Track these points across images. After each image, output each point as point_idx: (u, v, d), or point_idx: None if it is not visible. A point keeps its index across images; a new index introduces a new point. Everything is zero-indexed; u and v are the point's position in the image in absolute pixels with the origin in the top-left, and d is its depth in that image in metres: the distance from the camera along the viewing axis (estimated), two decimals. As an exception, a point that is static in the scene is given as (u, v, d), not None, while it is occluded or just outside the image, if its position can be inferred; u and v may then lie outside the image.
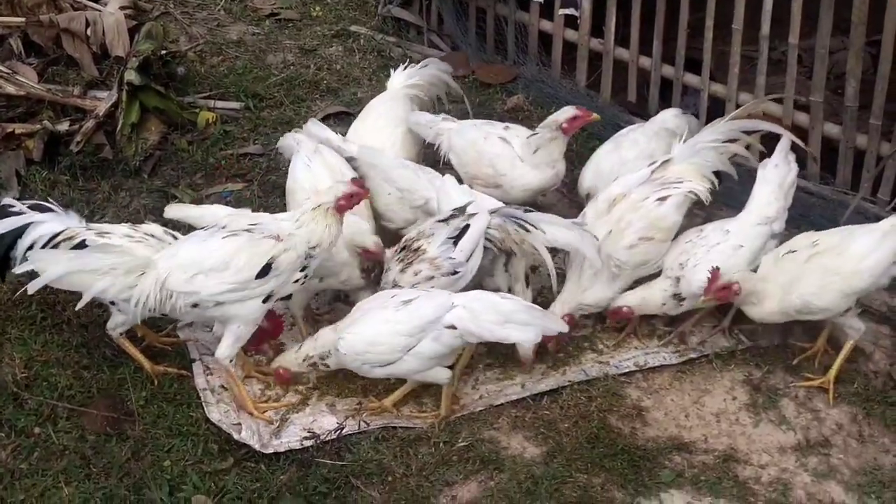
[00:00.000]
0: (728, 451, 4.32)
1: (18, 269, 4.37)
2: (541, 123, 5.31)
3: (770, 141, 5.08)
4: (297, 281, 4.34)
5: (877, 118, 5.54)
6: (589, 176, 5.30)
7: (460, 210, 4.63)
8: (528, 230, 4.53)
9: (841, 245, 4.44)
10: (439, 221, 4.63)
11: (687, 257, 4.64)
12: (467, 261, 4.51)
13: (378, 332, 4.26)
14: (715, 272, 4.40)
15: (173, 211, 4.94)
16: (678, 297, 4.64)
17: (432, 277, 4.50)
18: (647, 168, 4.86)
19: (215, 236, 4.31)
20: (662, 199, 4.74)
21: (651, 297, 4.69)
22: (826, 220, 5.17)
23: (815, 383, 4.55)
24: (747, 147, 5.07)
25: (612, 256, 4.69)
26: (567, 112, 5.18)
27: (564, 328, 4.35)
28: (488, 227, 4.54)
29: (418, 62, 5.95)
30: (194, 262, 4.26)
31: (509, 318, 4.21)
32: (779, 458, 4.30)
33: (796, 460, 4.29)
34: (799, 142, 5.02)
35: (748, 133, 4.98)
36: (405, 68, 5.81)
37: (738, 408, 4.50)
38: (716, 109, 6.22)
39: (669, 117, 5.51)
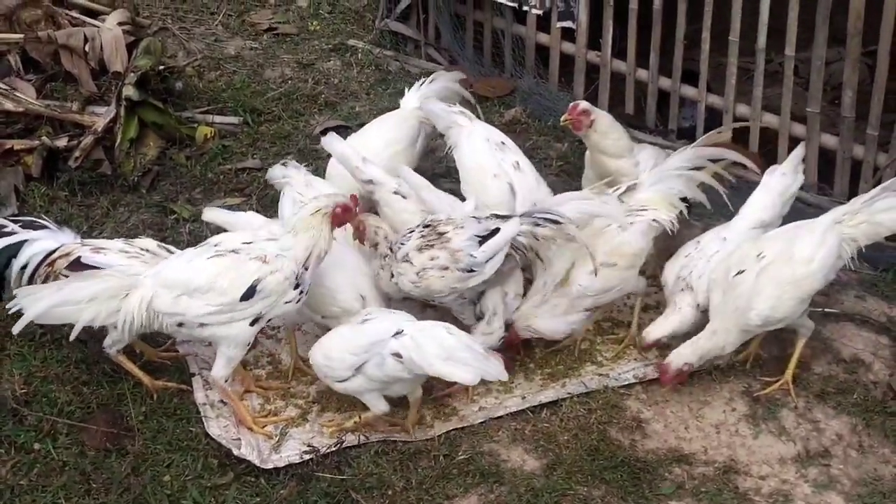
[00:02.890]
0: (728, 462, 4.32)
1: (10, 305, 4.37)
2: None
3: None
4: (290, 301, 4.29)
5: (874, 129, 5.57)
6: None
7: (498, 216, 4.62)
8: (559, 223, 4.52)
9: (787, 251, 4.42)
10: (472, 217, 4.62)
11: (689, 270, 4.62)
12: (486, 262, 4.49)
13: (332, 347, 4.29)
14: (661, 366, 4.50)
15: (209, 214, 4.92)
16: (699, 308, 4.60)
17: (446, 268, 4.47)
18: (612, 194, 4.82)
19: (202, 256, 4.31)
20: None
21: (684, 317, 4.61)
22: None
23: (776, 386, 4.55)
24: (715, 176, 4.94)
25: (575, 281, 4.66)
26: None
27: (504, 377, 4.25)
28: (517, 235, 4.53)
29: (418, 76, 5.91)
30: (179, 282, 4.25)
31: (451, 354, 4.15)
32: (779, 469, 4.30)
33: (796, 471, 4.29)
34: (756, 169, 5.02)
35: (714, 161, 4.87)
36: (419, 87, 5.70)
37: (738, 419, 4.50)
38: (713, 121, 6.25)
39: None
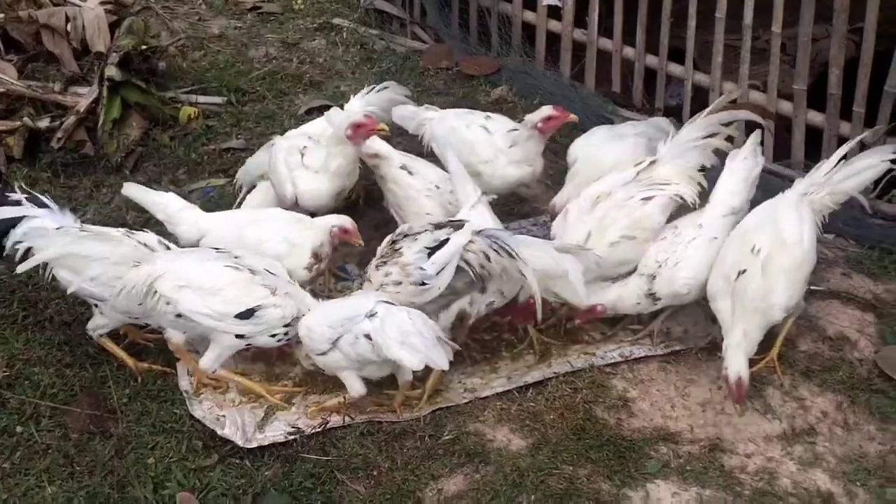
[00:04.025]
0: (714, 440, 4.31)
1: (11, 243, 4.45)
2: (521, 120, 5.29)
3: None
4: (275, 336, 4.36)
5: (860, 106, 5.54)
6: (579, 146, 5.27)
7: (455, 223, 4.54)
8: (512, 256, 4.39)
9: (777, 237, 4.41)
10: (427, 229, 4.54)
11: (666, 255, 4.59)
12: (437, 275, 4.40)
13: (315, 319, 4.30)
14: (734, 386, 4.32)
15: (129, 190, 4.91)
16: (653, 296, 4.59)
17: (400, 283, 4.42)
18: (633, 168, 4.82)
19: (220, 261, 4.37)
20: (647, 198, 4.70)
21: (626, 295, 4.62)
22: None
23: (762, 364, 4.53)
24: (729, 139, 5.01)
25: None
26: (543, 112, 5.16)
27: (445, 366, 4.19)
28: (467, 249, 4.40)
29: (404, 55, 5.87)
30: (189, 276, 4.31)
31: (406, 339, 4.15)
32: (764, 446, 4.29)
33: (782, 449, 4.28)
34: (761, 121, 5.03)
35: (727, 125, 4.94)
36: (366, 94, 5.61)
37: (724, 397, 4.48)
38: (699, 99, 6.22)
39: (664, 123, 5.44)
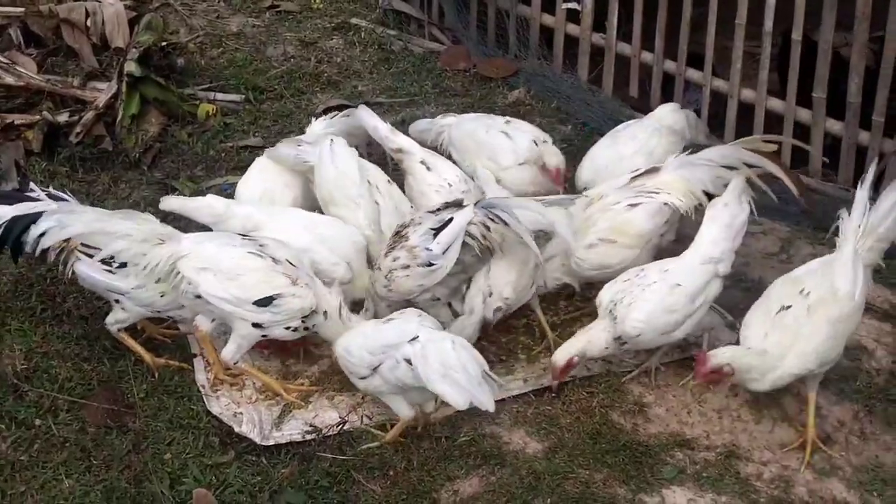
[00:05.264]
0: (730, 447, 4.31)
1: (34, 237, 4.40)
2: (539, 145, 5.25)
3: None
4: (290, 329, 4.35)
5: (879, 115, 5.54)
6: (585, 171, 5.25)
7: (454, 203, 4.59)
8: (507, 224, 4.41)
9: (831, 288, 4.19)
10: (429, 212, 4.60)
11: (622, 295, 4.41)
12: (444, 254, 4.44)
13: (353, 342, 4.23)
14: (700, 355, 4.14)
15: (169, 203, 4.85)
16: (619, 340, 4.38)
17: (408, 266, 4.46)
18: (628, 174, 4.80)
19: (244, 247, 4.37)
20: (633, 205, 4.67)
21: (595, 339, 4.43)
22: (829, 218, 5.10)
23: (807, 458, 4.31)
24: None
25: (573, 253, 4.66)
26: (550, 163, 5.10)
27: (491, 408, 3.97)
28: (470, 223, 4.43)
29: (422, 56, 5.89)
30: (211, 258, 4.33)
31: (448, 373, 3.99)
32: (781, 455, 4.29)
33: (798, 457, 4.28)
34: (794, 188, 4.81)
35: (749, 166, 4.74)
36: (326, 118, 5.57)
37: (740, 404, 4.49)
38: (718, 105, 6.23)
39: (666, 113, 5.45)
